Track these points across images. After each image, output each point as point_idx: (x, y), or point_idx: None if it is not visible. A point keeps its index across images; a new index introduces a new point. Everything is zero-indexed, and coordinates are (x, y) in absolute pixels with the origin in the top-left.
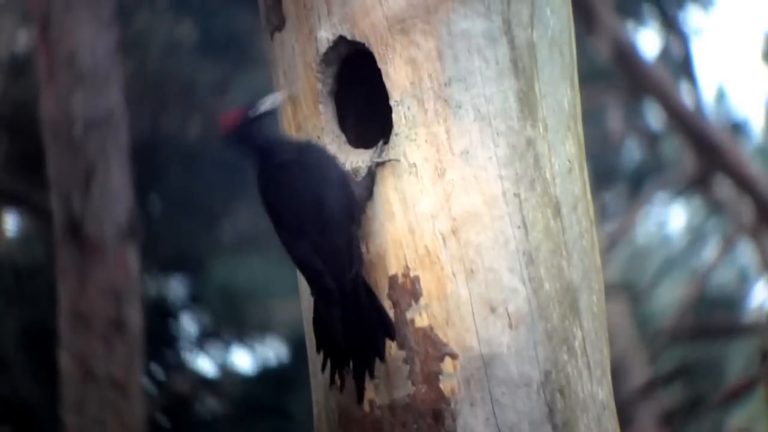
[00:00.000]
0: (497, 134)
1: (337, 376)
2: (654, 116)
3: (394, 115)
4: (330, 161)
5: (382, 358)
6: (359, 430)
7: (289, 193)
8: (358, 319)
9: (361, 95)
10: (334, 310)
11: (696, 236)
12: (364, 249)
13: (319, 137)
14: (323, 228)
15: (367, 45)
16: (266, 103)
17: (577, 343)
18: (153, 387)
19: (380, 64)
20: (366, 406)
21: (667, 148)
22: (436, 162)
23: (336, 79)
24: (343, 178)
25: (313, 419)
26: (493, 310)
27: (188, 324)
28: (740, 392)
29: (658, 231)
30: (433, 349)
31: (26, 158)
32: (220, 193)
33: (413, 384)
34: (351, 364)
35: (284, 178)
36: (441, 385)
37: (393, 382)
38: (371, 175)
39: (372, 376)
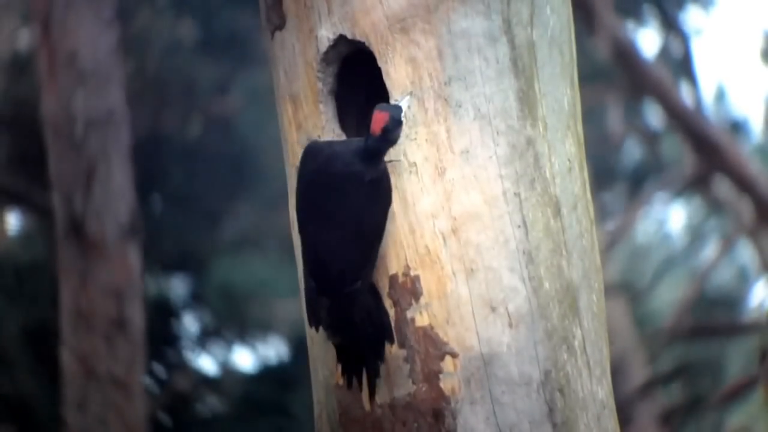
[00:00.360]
0: (497, 133)
1: (352, 376)
2: (654, 116)
3: None
4: (389, 185)
5: (382, 359)
6: (360, 429)
7: (357, 199)
8: (362, 316)
9: (361, 94)
10: (323, 301)
11: (696, 236)
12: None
13: (319, 136)
14: (359, 237)
15: (367, 44)
16: (404, 106)
17: (576, 343)
18: (154, 386)
19: (380, 63)
20: (366, 405)
21: (666, 147)
22: (436, 161)
23: (336, 78)
24: (389, 202)
25: (314, 418)
26: (493, 309)
27: (190, 323)
28: (740, 392)
29: (658, 230)
30: (433, 348)
31: (27, 157)
32: (222, 192)
33: (414, 383)
34: (362, 364)
35: (364, 190)
36: (441, 384)
37: (393, 380)
38: None
39: (378, 375)
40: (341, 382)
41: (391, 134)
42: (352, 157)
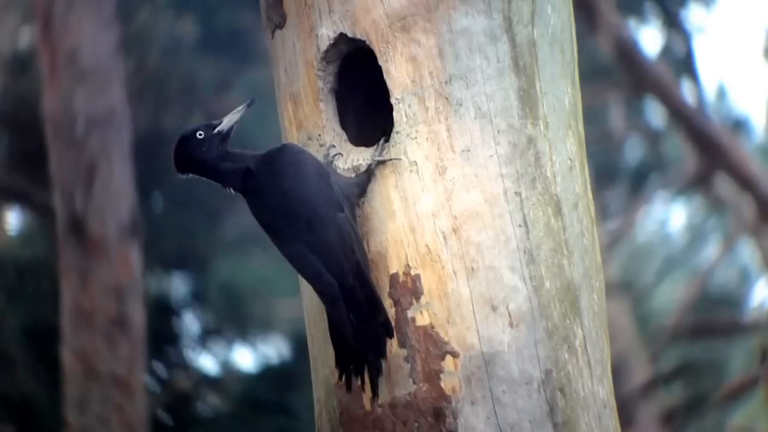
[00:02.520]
0: (498, 132)
1: (354, 378)
2: (655, 114)
3: (395, 113)
4: (302, 156)
5: (384, 355)
6: (360, 428)
7: (268, 199)
8: (362, 314)
9: (362, 93)
10: (339, 307)
11: (697, 235)
12: (365, 247)
13: (320, 135)
14: (309, 223)
15: (368, 42)
16: (224, 121)
17: (577, 342)
18: (155, 384)
19: (381, 62)
20: (367, 405)
21: (668, 146)
22: (437, 160)
23: (337, 76)
24: (319, 169)
25: (315, 417)
26: (494, 308)
27: (190, 322)
28: (741, 391)
29: (659, 229)
30: (434, 348)
31: (28, 156)
32: (222, 191)
33: (414, 382)
34: (364, 363)
35: (258, 183)
36: (442, 384)
37: (394, 380)
38: (368, 173)
39: (381, 374)
40: (341, 382)
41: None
42: (228, 181)
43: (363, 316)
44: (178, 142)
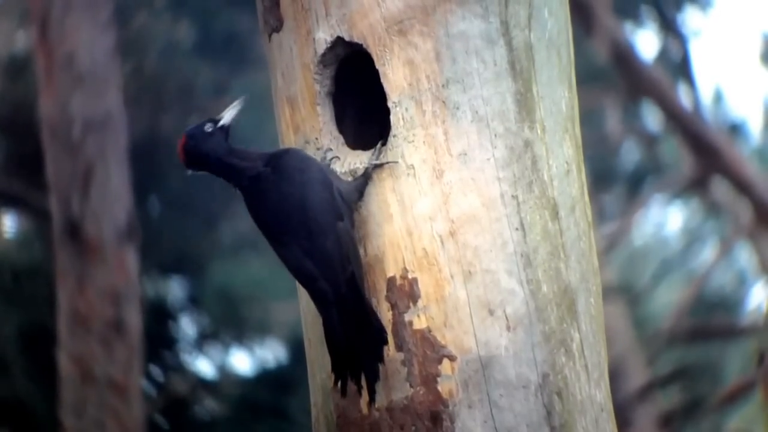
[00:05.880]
0: (495, 136)
1: (348, 382)
2: (652, 118)
3: (392, 117)
4: (307, 163)
5: (382, 360)
6: None
7: (270, 202)
8: (355, 321)
9: (359, 96)
10: (331, 312)
11: (694, 238)
12: (361, 251)
13: (317, 138)
14: (309, 231)
15: (365, 46)
16: (225, 116)
17: (574, 345)
18: (152, 388)
19: (378, 66)
20: (364, 408)
21: (665, 149)
22: (434, 163)
23: (334, 80)
24: (323, 178)
25: (312, 421)
26: (491, 312)
27: (187, 325)
28: (738, 394)
29: (656, 233)
30: (431, 351)
31: (25, 159)
32: (219, 194)
33: (411, 386)
34: (358, 367)
35: (262, 187)
36: (439, 387)
37: (391, 384)
38: (366, 177)
39: (377, 378)
40: (338, 387)
41: (199, 147)
42: (234, 180)
43: (356, 324)
44: (186, 137)
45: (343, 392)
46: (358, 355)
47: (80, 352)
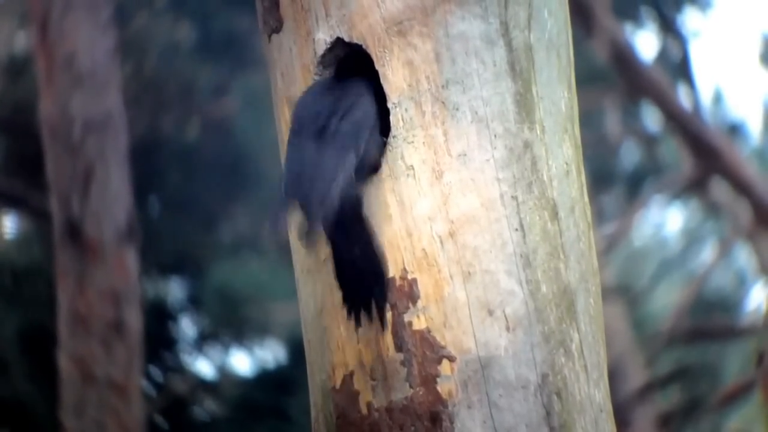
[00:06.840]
0: (495, 136)
1: (360, 314)
2: (651, 119)
3: (391, 117)
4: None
5: (384, 296)
6: None
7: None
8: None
9: None
10: (328, 226)
11: (693, 239)
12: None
13: None
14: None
15: (364, 47)
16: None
17: (574, 346)
18: (152, 389)
19: (378, 66)
20: (364, 409)
21: (664, 150)
22: (433, 164)
23: None
24: (372, 120)
25: (311, 421)
26: (490, 312)
27: (187, 326)
28: (737, 395)
29: (656, 233)
30: (430, 352)
31: (25, 160)
32: (219, 194)
33: (411, 386)
34: (369, 294)
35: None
36: (438, 388)
37: (391, 384)
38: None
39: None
40: (338, 381)
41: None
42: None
43: (358, 247)
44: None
45: (358, 321)
46: (363, 281)
47: (80, 353)
